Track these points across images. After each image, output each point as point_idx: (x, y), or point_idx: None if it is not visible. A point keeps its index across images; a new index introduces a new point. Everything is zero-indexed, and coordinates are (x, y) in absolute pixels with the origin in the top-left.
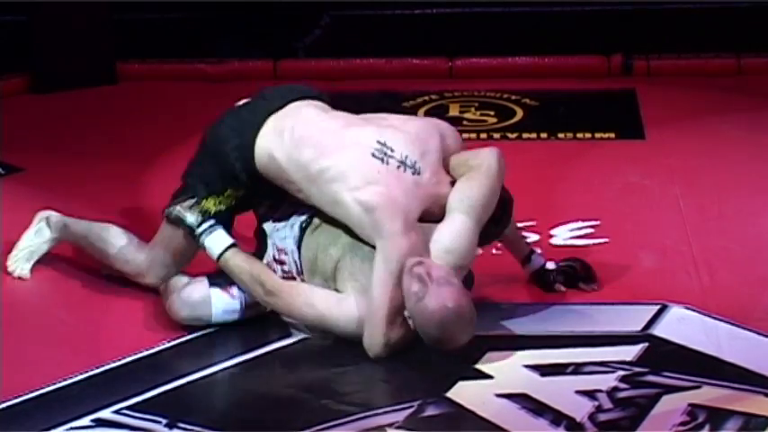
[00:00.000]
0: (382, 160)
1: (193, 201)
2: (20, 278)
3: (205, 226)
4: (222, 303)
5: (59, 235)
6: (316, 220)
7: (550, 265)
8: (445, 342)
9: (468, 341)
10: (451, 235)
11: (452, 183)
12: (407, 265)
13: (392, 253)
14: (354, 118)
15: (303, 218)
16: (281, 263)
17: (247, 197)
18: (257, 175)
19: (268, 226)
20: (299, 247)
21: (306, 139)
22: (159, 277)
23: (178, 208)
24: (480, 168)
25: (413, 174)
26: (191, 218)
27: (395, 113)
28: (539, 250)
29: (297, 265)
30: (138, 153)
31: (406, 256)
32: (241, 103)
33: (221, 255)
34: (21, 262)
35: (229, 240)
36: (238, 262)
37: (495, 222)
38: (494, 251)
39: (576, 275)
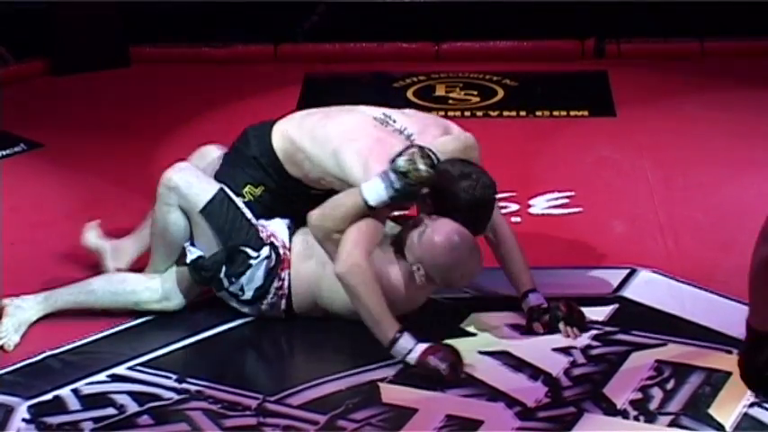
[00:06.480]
0: (382, 123)
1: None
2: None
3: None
4: None
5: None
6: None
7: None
8: (460, 267)
9: (478, 271)
10: None
11: None
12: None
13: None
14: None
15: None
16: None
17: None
18: (275, 159)
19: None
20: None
21: (316, 111)
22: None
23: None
24: None
25: (406, 138)
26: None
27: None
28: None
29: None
30: (149, 130)
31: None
32: None
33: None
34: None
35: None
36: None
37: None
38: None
39: (561, 317)
